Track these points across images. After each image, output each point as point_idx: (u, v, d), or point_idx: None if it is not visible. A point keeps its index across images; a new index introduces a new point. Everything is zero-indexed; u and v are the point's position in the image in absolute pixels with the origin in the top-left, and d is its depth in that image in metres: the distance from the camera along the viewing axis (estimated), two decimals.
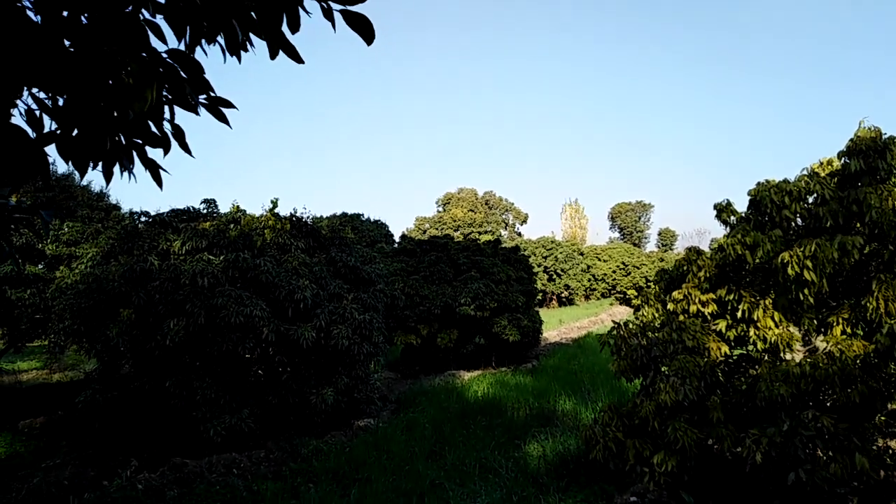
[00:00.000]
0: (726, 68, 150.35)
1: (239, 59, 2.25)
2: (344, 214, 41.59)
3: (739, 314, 8.33)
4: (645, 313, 10.02)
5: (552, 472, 10.54)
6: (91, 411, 11.94)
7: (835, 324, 7.62)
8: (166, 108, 2.42)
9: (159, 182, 2.46)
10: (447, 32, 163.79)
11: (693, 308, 9.01)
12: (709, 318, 8.99)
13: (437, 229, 67.28)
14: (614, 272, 57.13)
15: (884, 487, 8.63)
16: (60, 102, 2.03)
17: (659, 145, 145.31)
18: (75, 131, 2.09)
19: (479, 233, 66.15)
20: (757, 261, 7.96)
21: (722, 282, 8.86)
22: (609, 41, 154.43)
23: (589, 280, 58.03)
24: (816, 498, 7.40)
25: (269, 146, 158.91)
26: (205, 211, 14.75)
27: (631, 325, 9.52)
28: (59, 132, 2.12)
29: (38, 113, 2.07)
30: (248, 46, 2.26)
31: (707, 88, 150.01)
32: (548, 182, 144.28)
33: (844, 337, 7.48)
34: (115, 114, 1.99)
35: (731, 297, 8.58)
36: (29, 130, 2.15)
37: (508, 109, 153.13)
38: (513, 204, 74.33)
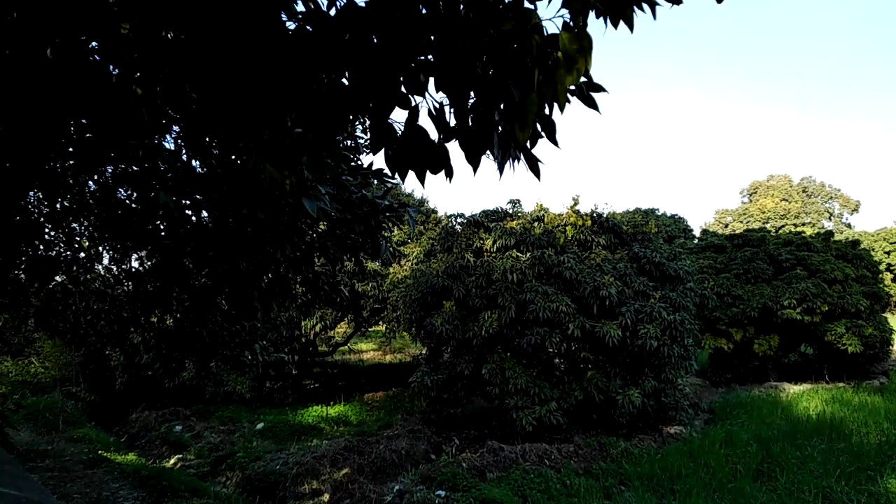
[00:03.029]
0: None
1: (630, 27, 2.09)
2: (637, 210, 40.29)
3: None
4: None
5: None
6: (421, 390, 13.52)
7: None
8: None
9: (537, 173, 2.46)
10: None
11: None
12: None
13: (741, 223, 60.79)
14: None
15: None
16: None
17: None
18: (470, 123, 2.17)
19: (795, 225, 57.76)
20: None
21: None
22: None
23: None
24: None
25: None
26: (511, 210, 15.56)
27: None
28: (456, 126, 2.23)
29: (445, 109, 2.21)
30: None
31: None
32: (888, 161, 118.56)
33: None
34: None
35: None
36: (432, 128, 2.32)
37: (831, 77, 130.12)
38: (839, 190, 63.24)
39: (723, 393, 18.30)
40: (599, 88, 2.51)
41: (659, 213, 41.58)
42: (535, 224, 14.64)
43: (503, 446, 11.22)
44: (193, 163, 4.31)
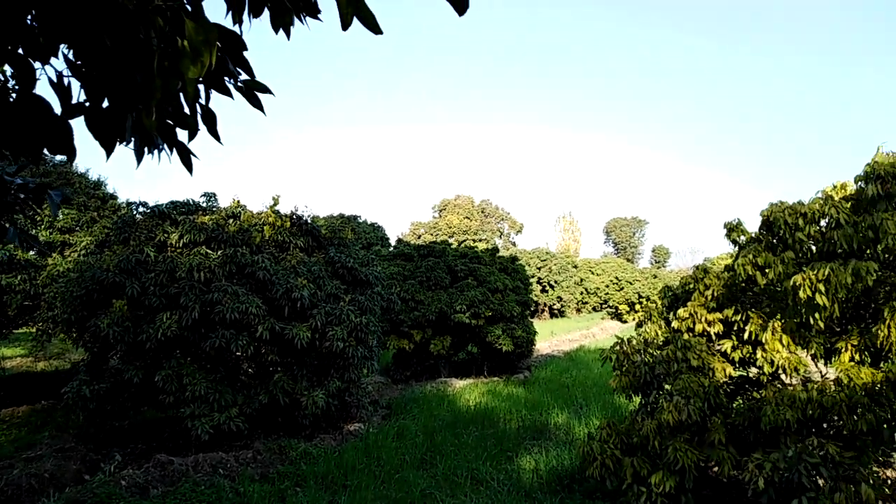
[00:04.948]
0: (727, 84, 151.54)
1: (288, 34, 2.09)
2: (341, 215, 41.42)
3: (746, 335, 8.22)
4: (648, 330, 9.90)
5: (545, 486, 10.38)
6: (77, 403, 11.64)
7: (843, 350, 7.53)
8: (201, 89, 2.27)
9: (189, 166, 2.30)
10: (448, 35, 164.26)
11: (699, 327, 8.91)
12: (714, 338, 8.89)
13: (432, 235, 67.18)
14: (607, 286, 57.16)
15: None
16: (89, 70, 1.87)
17: (655, 161, 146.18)
18: (105, 103, 1.92)
19: (474, 240, 66.14)
20: (766, 282, 7.86)
21: (729, 302, 8.76)
22: (610, 50, 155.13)
23: (581, 293, 58.03)
24: None
25: (261, 140, 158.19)
26: (204, 204, 14.54)
27: (633, 342, 9.40)
28: (87, 104, 1.96)
29: (67, 81, 1.90)
30: (298, 21, 2.09)
31: (703, 106, 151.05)
32: (544, 193, 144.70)
33: (853, 364, 7.38)
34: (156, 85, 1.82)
35: (739, 317, 8.49)
36: (56, 100, 1.99)
37: (508, 117, 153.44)
38: (509, 213, 74.42)
39: (402, 389, 19.86)
40: (264, 89, 2.47)
41: (360, 221, 43.45)
42: (230, 221, 13.95)
43: (173, 459, 10.34)
44: None
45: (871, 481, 6.99)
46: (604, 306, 58.25)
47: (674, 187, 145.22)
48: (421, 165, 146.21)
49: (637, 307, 54.24)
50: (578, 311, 60.30)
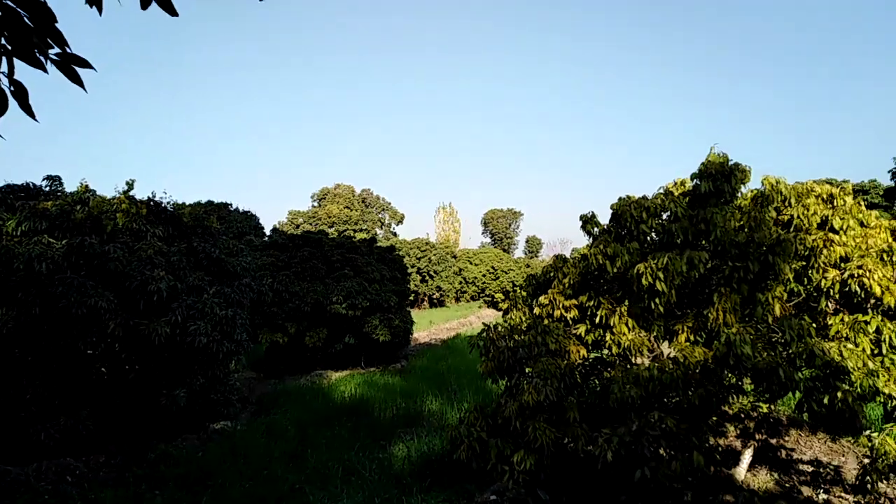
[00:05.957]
0: (598, 83, 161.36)
1: (100, 9, 1.95)
2: (210, 203, 39.25)
3: (598, 320, 8.84)
4: (513, 316, 10.35)
5: (416, 472, 10.56)
6: None
7: (680, 331, 8.33)
8: (4, 61, 2.07)
9: None
10: (334, 25, 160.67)
11: (557, 313, 9.44)
12: (570, 322, 9.46)
13: (311, 224, 65.65)
14: (484, 276, 58.98)
15: (713, 481, 9.58)
16: None
17: (531, 155, 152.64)
18: None
19: (355, 230, 65.51)
20: (615, 271, 8.50)
21: (584, 289, 9.37)
22: (485, 46, 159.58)
23: (460, 283, 59.43)
24: (657, 493, 8.03)
25: (127, 122, 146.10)
26: (47, 189, 13.18)
27: (500, 328, 9.79)
28: None
29: None
30: None
31: (577, 103, 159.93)
32: (425, 184, 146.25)
33: (688, 344, 8.19)
34: None
35: (592, 303, 9.10)
36: None
37: (389, 106, 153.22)
38: (390, 203, 74.45)
39: (275, 384, 19.30)
40: (83, 63, 2.30)
41: (232, 209, 41.48)
42: (78, 207, 12.75)
43: (9, 468, 9.35)
44: None
45: (703, 449, 7.84)
46: (481, 295, 60.09)
47: (546, 181, 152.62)
48: (302, 154, 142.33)
49: (511, 295, 56.56)
50: (457, 300, 61.75)
